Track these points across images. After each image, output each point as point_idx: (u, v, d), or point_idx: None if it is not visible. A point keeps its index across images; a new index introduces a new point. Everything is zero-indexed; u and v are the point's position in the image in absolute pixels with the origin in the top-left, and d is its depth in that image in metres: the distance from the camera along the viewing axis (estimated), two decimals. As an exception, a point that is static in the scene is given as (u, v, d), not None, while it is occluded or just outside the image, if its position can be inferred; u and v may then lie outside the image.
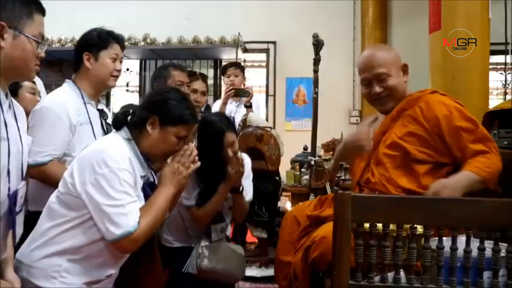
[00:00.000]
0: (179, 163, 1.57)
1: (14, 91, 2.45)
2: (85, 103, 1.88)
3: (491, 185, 1.67)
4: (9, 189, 1.21)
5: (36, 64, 1.28)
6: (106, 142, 1.53)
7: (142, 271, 1.78)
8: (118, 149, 1.47)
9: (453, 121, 1.73)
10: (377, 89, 1.85)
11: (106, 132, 1.89)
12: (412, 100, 1.84)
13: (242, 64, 4.78)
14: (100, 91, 2.00)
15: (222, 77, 3.83)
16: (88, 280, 1.45)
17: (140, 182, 1.52)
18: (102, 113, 1.96)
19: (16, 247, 1.40)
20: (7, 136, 1.19)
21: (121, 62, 1.99)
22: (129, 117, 1.59)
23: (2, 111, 1.19)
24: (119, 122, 1.58)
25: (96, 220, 1.40)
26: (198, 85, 3.07)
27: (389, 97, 1.86)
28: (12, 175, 1.22)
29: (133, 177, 1.46)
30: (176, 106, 1.56)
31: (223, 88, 6.25)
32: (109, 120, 1.94)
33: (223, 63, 6.40)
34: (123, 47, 2.01)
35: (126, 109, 1.66)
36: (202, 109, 3.11)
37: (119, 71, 1.96)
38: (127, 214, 1.39)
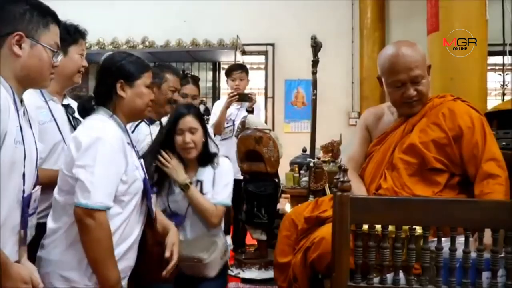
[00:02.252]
0: None
1: None
2: (46, 101, 1.82)
3: None
4: (23, 191, 1.24)
5: (51, 73, 1.32)
6: (96, 129, 1.52)
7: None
8: (110, 131, 1.52)
9: (474, 135, 1.71)
10: (412, 91, 1.77)
11: (74, 127, 1.84)
12: (435, 105, 1.80)
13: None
14: (66, 87, 1.93)
15: (226, 79, 3.82)
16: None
17: (130, 151, 1.59)
18: (68, 108, 1.90)
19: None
20: (23, 140, 1.22)
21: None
22: (93, 101, 1.62)
23: (18, 116, 1.23)
24: (86, 109, 1.61)
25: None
26: (188, 89, 3.08)
27: (420, 101, 1.80)
28: (27, 179, 1.25)
29: (125, 162, 1.52)
30: (129, 63, 1.63)
31: (222, 90, 6.31)
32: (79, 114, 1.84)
33: (222, 66, 6.42)
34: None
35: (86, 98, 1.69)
36: (202, 111, 3.11)
37: (84, 67, 1.93)
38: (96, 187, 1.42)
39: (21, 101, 1.29)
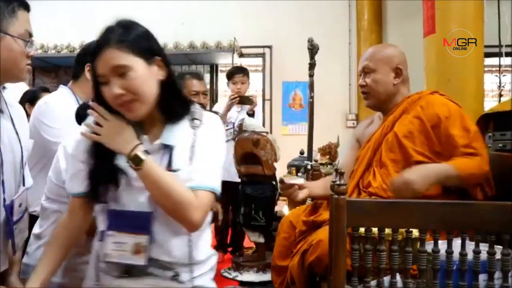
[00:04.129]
0: None
1: (32, 101, 2.48)
2: None
3: (468, 185, 1.68)
4: (4, 200, 1.19)
5: (28, 64, 1.22)
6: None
7: None
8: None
9: (450, 126, 1.73)
10: (361, 81, 1.90)
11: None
12: (412, 100, 1.84)
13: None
14: None
15: (227, 81, 3.81)
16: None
17: None
18: None
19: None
20: None
21: None
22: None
23: None
24: (79, 116, 1.58)
25: None
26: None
27: (368, 94, 1.89)
28: (7, 186, 1.20)
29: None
30: None
31: (220, 92, 6.31)
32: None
33: (219, 68, 6.42)
34: None
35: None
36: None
37: None
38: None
39: None
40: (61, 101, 1.89)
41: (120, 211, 1.18)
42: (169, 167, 1.17)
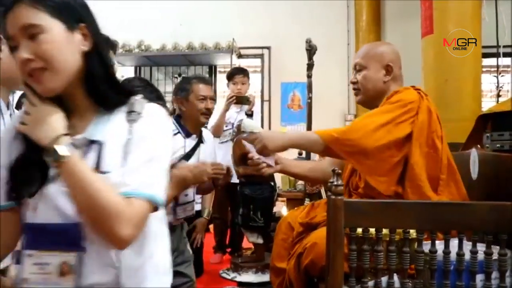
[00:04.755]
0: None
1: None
2: None
3: (339, 151, 1.66)
4: None
5: None
6: None
7: None
8: None
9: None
10: (352, 78, 1.92)
11: None
12: (390, 96, 1.82)
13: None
14: None
15: (227, 82, 3.82)
16: None
17: None
18: None
19: None
20: None
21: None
22: None
23: (4, 122, 1.20)
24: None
25: None
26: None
27: (359, 91, 1.90)
28: None
29: None
30: (142, 93, 1.51)
31: (218, 92, 6.31)
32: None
33: (218, 69, 6.43)
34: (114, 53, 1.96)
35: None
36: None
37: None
38: None
39: (8, 105, 1.24)
40: None
41: (40, 224, 0.95)
42: (97, 169, 0.95)
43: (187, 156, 2.32)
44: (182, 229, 2.41)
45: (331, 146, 1.66)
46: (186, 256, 2.41)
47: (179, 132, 2.34)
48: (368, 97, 1.88)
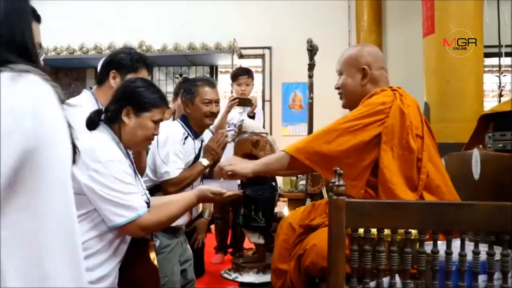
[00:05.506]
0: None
1: None
2: None
3: (299, 165, 1.68)
4: None
5: None
6: (90, 140, 1.53)
7: (141, 275, 1.76)
8: (105, 142, 1.55)
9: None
10: (336, 83, 1.93)
11: None
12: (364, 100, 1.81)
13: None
14: None
15: (231, 83, 3.81)
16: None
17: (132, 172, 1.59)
18: None
19: None
20: None
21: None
22: (103, 115, 1.62)
23: None
24: (93, 122, 1.60)
25: (101, 209, 1.45)
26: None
27: (342, 95, 1.92)
28: None
29: (129, 166, 1.55)
30: (145, 93, 1.63)
31: (220, 93, 6.29)
32: None
33: (219, 69, 6.43)
34: (150, 72, 1.98)
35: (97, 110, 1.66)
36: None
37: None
38: (131, 201, 1.47)
39: None
40: (82, 106, 1.85)
41: None
42: None
43: (197, 157, 2.35)
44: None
45: (296, 156, 1.66)
46: (188, 254, 2.42)
47: (189, 135, 2.33)
48: (350, 101, 1.89)
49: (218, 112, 2.43)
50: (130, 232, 1.51)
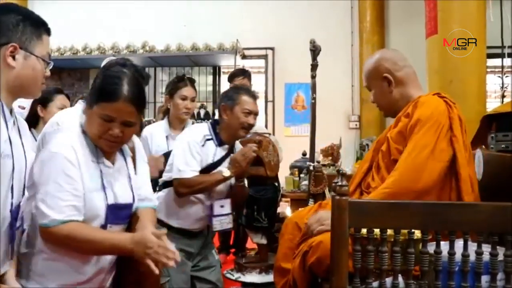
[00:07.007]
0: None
1: (44, 103, 2.46)
2: None
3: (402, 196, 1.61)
4: (11, 204, 1.24)
5: (42, 83, 1.34)
6: (62, 133, 1.49)
7: (141, 274, 1.75)
8: (66, 135, 1.43)
9: (415, 131, 1.68)
10: (370, 97, 1.97)
11: None
12: (413, 101, 1.80)
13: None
14: None
15: (229, 84, 3.81)
16: (63, 283, 1.40)
17: (95, 170, 1.41)
18: None
19: None
20: (12, 153, 1.22)
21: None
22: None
23: (7, 129, 1.22)
24: None
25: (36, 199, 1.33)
26: (187, 91, 2.74)
27: (379, 107, 1.96)
28: (15, 191, 1.25)
29: (75, 169, 1.35)
30: (101, 82, 1.39)
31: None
32: None
33: (222, 70, 6.44)
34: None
35: None
36: (202, 115, 3.08)
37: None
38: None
39: (11, 111, 1.28)
40: (77, 121, 1.77)
41: None
42: None
43: (215, 164, 2.24)
44: (208, 234, 2.39)
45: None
46: (211, 261, 2.38)
47: (212, 139, 2.26)
48: (387, 110, 1.94)
49: (253, 125, 2.34)
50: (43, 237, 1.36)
